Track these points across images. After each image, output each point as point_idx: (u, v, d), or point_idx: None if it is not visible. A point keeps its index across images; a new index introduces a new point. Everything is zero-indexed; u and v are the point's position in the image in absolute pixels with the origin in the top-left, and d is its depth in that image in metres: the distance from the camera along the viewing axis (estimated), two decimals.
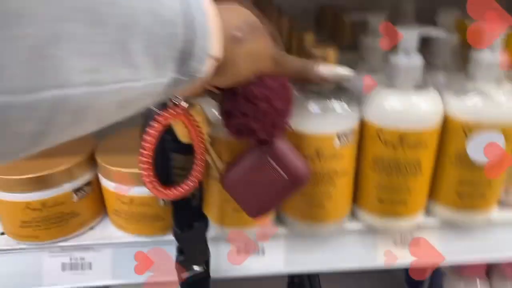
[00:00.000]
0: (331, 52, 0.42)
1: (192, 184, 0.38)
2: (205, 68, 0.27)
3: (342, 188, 0.47)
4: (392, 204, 0.47)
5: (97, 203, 0.51)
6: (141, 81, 0.23)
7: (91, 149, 0.50)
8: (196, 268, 0.43)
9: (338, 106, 0.43)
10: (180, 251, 0.42)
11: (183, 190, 0.37)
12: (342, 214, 0.49)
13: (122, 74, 0.22)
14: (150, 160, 0.34)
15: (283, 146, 0.37)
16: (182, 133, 0.36)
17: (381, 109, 0.44)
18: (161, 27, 0.23)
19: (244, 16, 0.31)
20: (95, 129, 0.24)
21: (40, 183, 0.46)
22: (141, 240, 0.50)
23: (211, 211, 0.47)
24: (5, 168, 0.46)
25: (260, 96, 0.33)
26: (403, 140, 0.43)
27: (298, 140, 0.43)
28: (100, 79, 0.20)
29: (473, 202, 0.48)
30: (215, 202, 0.46)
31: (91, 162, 0.49)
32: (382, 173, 0.46)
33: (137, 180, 0.46)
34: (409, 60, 0.43)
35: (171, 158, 0.37)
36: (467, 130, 0.44)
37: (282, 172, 0.37)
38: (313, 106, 0.42)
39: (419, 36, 0.43)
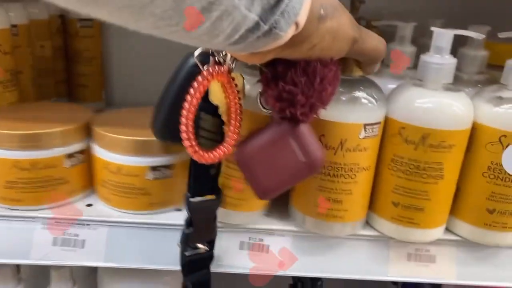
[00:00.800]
0: None
1: (227, 150, 0.36)
2: (287, 29, 0.26)
3: (362, 184, 0.44)
4: (408, 210, 0.44)
5: (88, 173, 0.50)
6: None
7: (88, 120, 0.49)
8: (201, 246, 0.40)
9: (367, 96, 0.41)
10: (188, 223, 0.39)
11: (219, 155, 0.35)
12: (359, 215, 0.46)
13: None
14: (193, 117, 0.32)
15: (305, 128, 0.36)
16: (215, 94, 0.35)
17: (405, 106, 0.43)
18: None
19: None
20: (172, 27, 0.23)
21: (32, 141, 0.45)
22: (140, 221, 0.47)
23: None
24: None
25: (320, 75, 0.32)
26: (425, 139, 0.42)
27: (323, 128, 0.41)
28: None
29: (503, 220, 0.45)
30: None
31: (87, 132, 0.49)
32: (400, 174, 0.44)
33: (127, 149, 0.45)
34: (440, 59, 0.42)
35: (200, 117, 0.35)
36: (504, 140, 0.42)
37: (300, 154, 0.36)
38: (343, 94, 0.41)
39: (452, 36, 0.42)
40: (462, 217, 0.47)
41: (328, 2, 0.29)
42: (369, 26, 0.60)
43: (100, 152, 0.47)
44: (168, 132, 0.36)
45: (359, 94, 0.41)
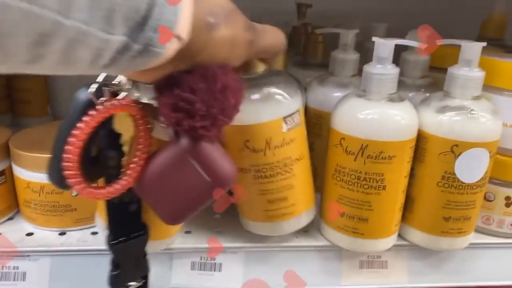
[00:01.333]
0: None
1: (126, 182, 0.31)
2: (165, 45, 0.24)
3: (301, 175, 0.43)
4: (352, 220, 0.45)
5: (11, 194, 0.49)
6: (70, 20, 0.20)
7: (6, 139, 0.48)
8: (133, 284, 0.38)
9: (278, 90, 0.40)
10: (115, 264, 0.36)
11: (116, 190, 0.31)
12: (308, 204, 0.45)
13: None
14: (78, 153, 0.28)
15: (207, 144, 0.31)
16: (119, 122, 0.31)
17: (346, 117, 0.43)
18: None
19: (221, 1, 0.28)
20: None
21: None
22: (84, 248, 0.45)
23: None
24: None
25: (222, 81, 0.28)
26: (364, 150, 0.42)
27: (245, 133, 0.40)
28: None
29: (458, 226, 0.46)
30: None
31: (5, 152, 0.48)
32: (343, 184, 0.44)
33: None
34: (382, 69, 0.42)
35: (108, 156, 0.32)
36: (456, 149, 0.43)
37: (204, 174, 0.31)
38: (253, 94, 0.39)
39: (393, 46, 0.42)
40: (417, 226, 0.47)
41: (218, 8, 0.27)
42: (313, 33, 0.59)
43: (20, 172, 0.46)
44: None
45: (269, 89, 0.40)
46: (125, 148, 0.33)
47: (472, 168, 0.43)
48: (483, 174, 0.44)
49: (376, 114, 0.42)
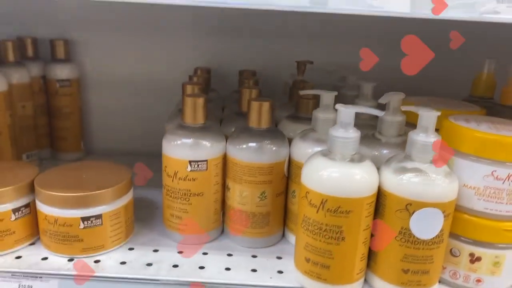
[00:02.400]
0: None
1: None
2: None
3: None
4: (316, 267, 0.49)
5: (33, 224, 0.58)
6: None
7: (32, 178, 0.58)
8: None
9: None
10: None
11: None
12: None
13: None
14: None
15: None
16: None
17: (310, 173, 0.49)
18: None
19: None
20: None
21: None
22: (87, 274, 0.53)
23: None
24: None
25: None
26: (324, 204, 0.47)
27: None
28: None
29: (417, 278, 0.49)
30: None
31: (31, 189, 0.57)
32: (308, 233, 0.49)
33: (61, 204, 0.54)
34: (344, 133, 0.48)
35: None
36: (410, 208, 0.47)
37: None
38: None
39: (355, 113, 0.48)
40: (380, 275, 0.51)
41: None
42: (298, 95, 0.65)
43: (40, 206, 0.56)
44: None
45: None
46: None
47: (426, 225, 0.47)
48: (439, 231, 0.48)
49: (335, 172, 0.47)
